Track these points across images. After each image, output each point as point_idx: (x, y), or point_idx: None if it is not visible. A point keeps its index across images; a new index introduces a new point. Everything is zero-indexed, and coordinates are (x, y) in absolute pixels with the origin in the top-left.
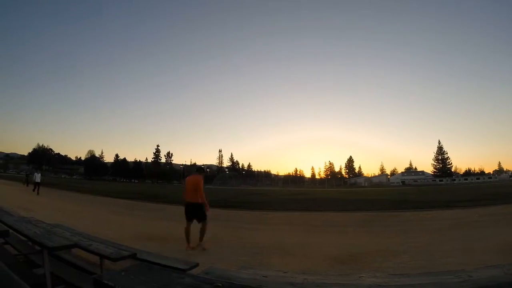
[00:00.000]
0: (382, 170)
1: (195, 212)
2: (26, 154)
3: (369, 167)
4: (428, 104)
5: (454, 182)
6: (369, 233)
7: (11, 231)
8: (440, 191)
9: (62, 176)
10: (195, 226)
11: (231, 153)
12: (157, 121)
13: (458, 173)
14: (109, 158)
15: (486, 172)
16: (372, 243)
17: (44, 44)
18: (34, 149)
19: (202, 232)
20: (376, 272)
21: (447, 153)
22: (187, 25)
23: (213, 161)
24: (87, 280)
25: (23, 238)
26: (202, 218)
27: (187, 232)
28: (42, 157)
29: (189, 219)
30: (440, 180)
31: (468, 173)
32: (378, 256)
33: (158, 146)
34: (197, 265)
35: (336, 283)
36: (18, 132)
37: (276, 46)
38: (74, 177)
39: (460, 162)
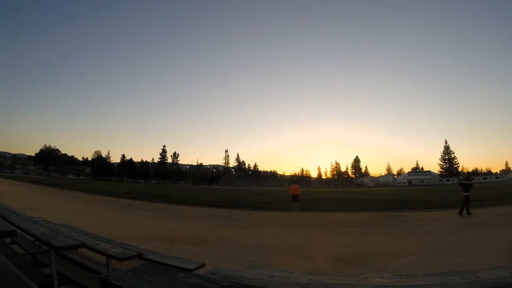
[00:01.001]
0: (388, 170)
1: (295, 198)
2: (33, 154)
3: (375, 167)
4: (434, 103)
5: None
6: (375, 233)
7: (18, 231)
8: (446, 191)
9: (69, 176)
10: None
11: (237, 154)
12: (163, 121)
13: (465, 173)
14: (115, 159)
15: (493, 172)
16: (378, 243)
17: (50, 45)
18: (41, 150)
19: (296, 205)
20: (382, 272)
21: (453, 153)
22: (193, 25)
23: (219, 161)
24: (94, 280)
25: (30, 238)
26: (297, 200)
27: (292, 205)
28: (49, 157)
29: (293, 201)
30: (446, 180)
31: (475, 173)
32: (385, 256)
33: (164, 146)
34: (203, 265)
35: (343, 283)
36: (25, 133)
37: (282, 46)
38: (81, 177)
39: (467, 161)
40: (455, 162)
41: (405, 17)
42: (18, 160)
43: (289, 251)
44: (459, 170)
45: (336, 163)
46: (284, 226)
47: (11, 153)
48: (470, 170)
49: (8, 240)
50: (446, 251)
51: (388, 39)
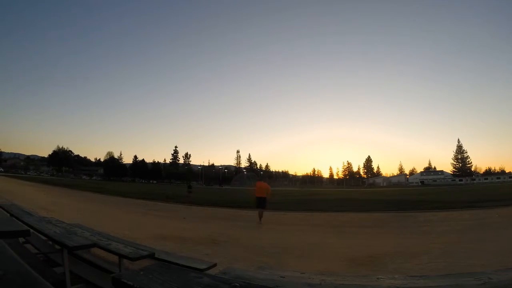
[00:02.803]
0: (400, 169)
1: (261, 202)
2: (46, 156)
3: (387, 167)
4: (447, 102)
5: (474, 182)
6: (387, 234)
7: (32, 230)
8: (459, 191)
9: (82, 177)
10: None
11: (249, 154)
12: (175, 122)
13: (478, 173)
14: (128, 160)
15: (506, 172)
16: (390, 244)
17: (64, 48)
18: (54, 151)
19: (262, 214)
20: (394, 273)
21: (466, 152)
22: (206, 25)
23: (231, 161)
24: (106, 279)
25: (43, 237)
26: (264, 206)
27: (259, 214)
28: (62, 158)
29: (257, 207)
30: (459, 180)
31: (488, 172)
32: (397, 257)
33: (176, 147)
34: (215, 265)
35: (354, 284)
36: (38, 134)
37: (293, 47)
38: (94, 178)
39: (480, 161)
40: (468, 161)
41: (418, 15)
42: (32, 161)
43: (301, 252)
44: (472, 169)
45: (348, 163)
46: (296, 227)
47: (24, 155)
48: (483, 169)
49: (21, 239)
50: (459, 252)
51: (401, 36)
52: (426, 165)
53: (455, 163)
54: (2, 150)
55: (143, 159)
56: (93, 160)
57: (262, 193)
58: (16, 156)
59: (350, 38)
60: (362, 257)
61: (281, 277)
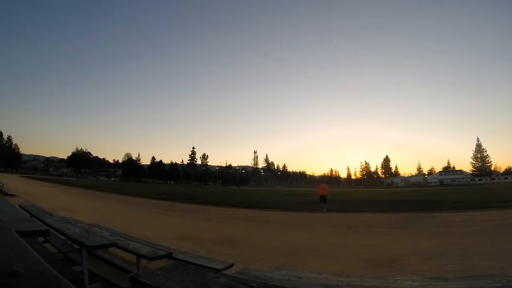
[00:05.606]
0: (419, 169)
1: (323, 198)
2: (65, 157)
3: (405, 167)
4: (466, 100)
5: (494, 181)
6: (405, 234)
7: (51, 230)
8: (479, 191)
9: (100, 178)
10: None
11: (266, 154)
12: (193, 123)
13: (498, 172)
14: (145, 161)
15: None
16: (408, 245)
17: (81, 52)
18: (73, 153)
19: (324, 205)
20: (412, 275)
21: (486, 151)
22: (221, 26)
23: (248, 162)
24: (124, 278)
25: (62, 237)
26: (325, 200)
27: (320, 205)
28: (81, 160)
29: (321, 201)
30: (479, 180)
31: (508, 171)
32: (415, 258)
33: (193, 148)
34: (232, 265)
35: (371, 285)
36: (58, 136)
37: (307, 46)
38: (112, 179)
39: (500, 160)
40: (488, 160)
41: (434, 11)
42: (51, 163)
43: (318, 252)
44: (492, 169)
45: (366, 163)
46: (313, 227)
47: (44, 156)
48: (504, 169)
49: (41, 239)
50: (478, 253)
51: (419, 32)
52: (445, 164)
53: (474, 162)
54: (23, 152)
55: (160, 160)
56: (111, 161)
57: (324, 192)
58: (36, 158)
59: (367, 36)
60: (379, 258)
61: (298, 277)
